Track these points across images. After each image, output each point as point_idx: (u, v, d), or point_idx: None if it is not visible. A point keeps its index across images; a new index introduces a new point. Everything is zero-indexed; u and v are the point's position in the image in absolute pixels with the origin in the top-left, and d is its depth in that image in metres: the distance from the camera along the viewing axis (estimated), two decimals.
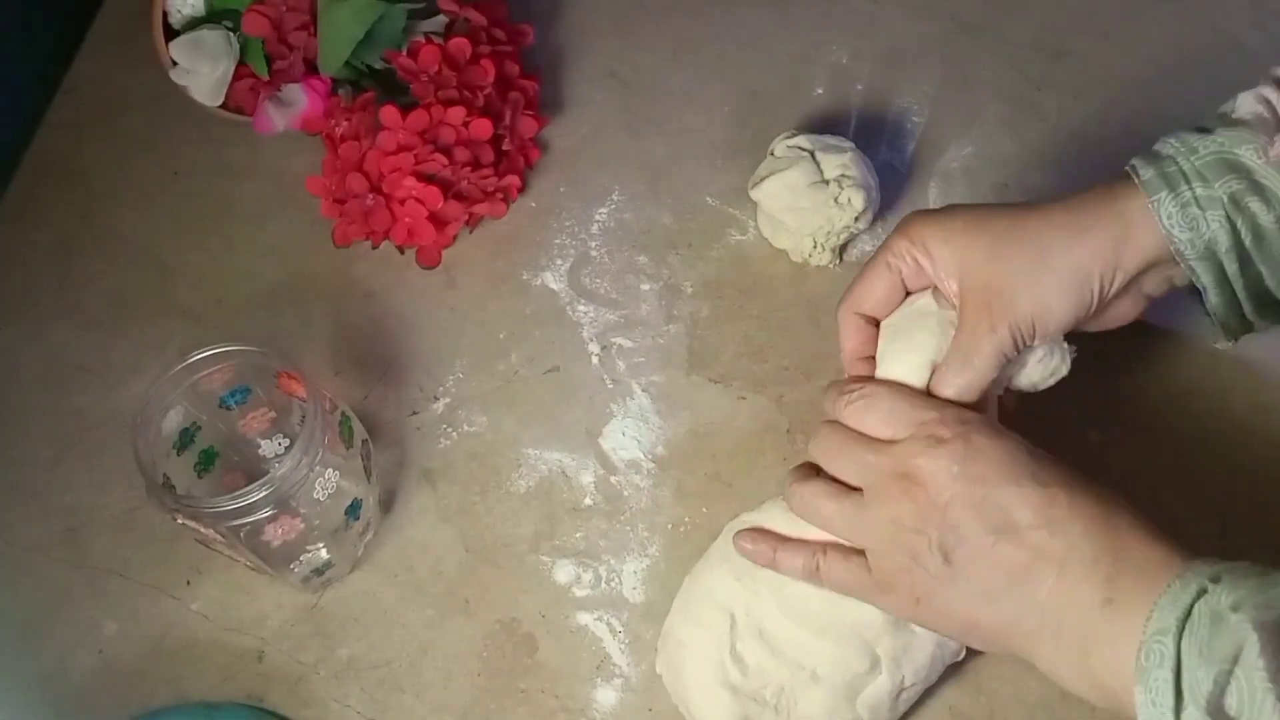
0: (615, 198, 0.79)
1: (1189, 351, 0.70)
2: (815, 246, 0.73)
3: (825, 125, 0.79)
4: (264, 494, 0.56)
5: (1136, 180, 0.57)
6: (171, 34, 0.77)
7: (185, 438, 0.62)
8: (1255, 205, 0.56)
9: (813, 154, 0.73)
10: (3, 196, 0.81)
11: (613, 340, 0.73)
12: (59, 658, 0.65)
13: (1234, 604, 0.45)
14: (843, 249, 0.75)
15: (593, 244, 0.77)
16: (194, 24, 0.77)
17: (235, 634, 0.65)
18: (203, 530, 0.58)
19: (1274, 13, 0.83)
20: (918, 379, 0.58)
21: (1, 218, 0.80)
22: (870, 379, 0.59)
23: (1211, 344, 0.66)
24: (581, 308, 0.75)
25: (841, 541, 0.57)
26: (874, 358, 0.60)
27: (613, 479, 0.69)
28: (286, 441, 0.66)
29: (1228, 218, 0.56)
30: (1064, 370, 0.60)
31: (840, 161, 0.72)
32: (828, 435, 0.58)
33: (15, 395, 0.73)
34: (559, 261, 0.77)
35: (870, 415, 0.57)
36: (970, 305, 0.57)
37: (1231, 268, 0.57)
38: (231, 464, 0.65)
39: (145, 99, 0.84)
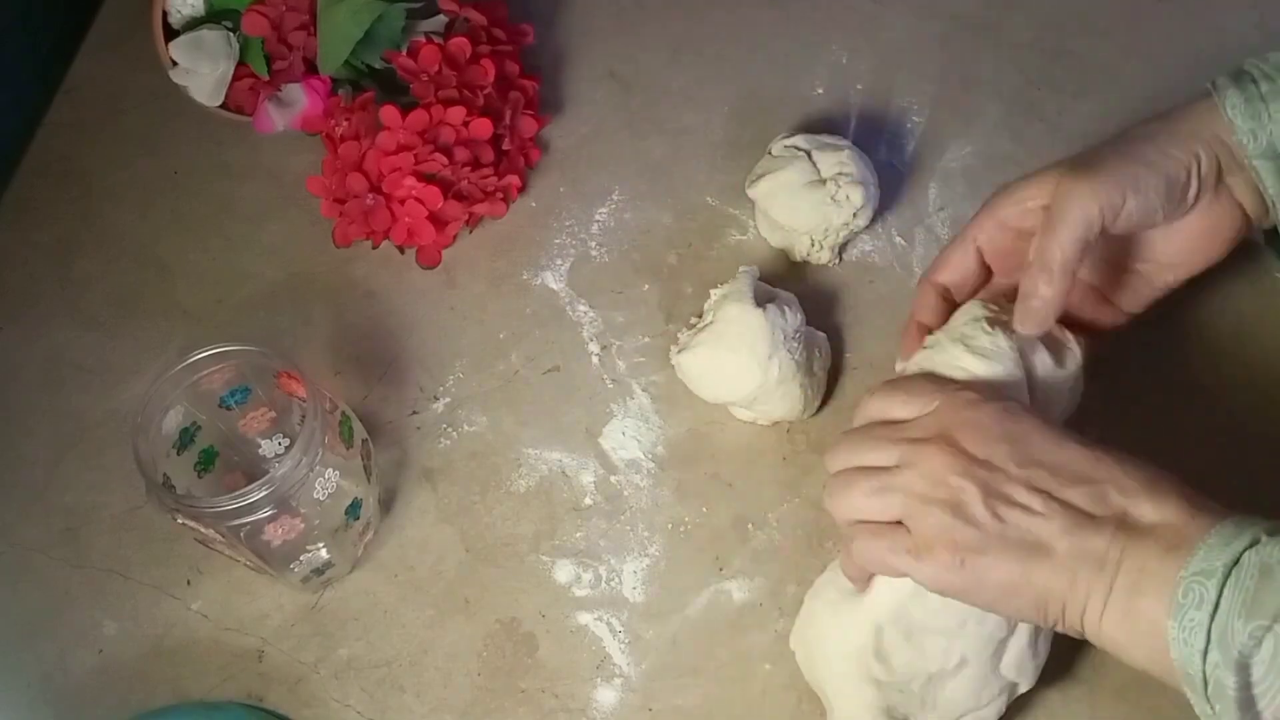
0: (615, 198, 0.79)
1: (1189, 351, 0.70)
2: (814, 245, 0.73)
3: (825, 125, 0.79)
4: (264, 494, 0.56)
5: (1211, 88, 0.60)
6: (171, 34, 0.77)
7: (185, 438, 0.62)
8: None
9: (809, 153, 0.73)
10: (3, 196, 0.81)
11: (613, 340, 0.73)
12: (59, 658, 0.65)
13: None
14: (843, 248, 0.75)
15: (593, 244, 0.77)
16: (194, 24, 0.77)
17: (235, 634, 0.65)
18: (203, 530, 0.58)
19: (1274, 13, 0.83)
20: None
21: (1, 218, 0.80)
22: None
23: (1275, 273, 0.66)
24: (581, 308, 0.75)
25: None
26: (929, 331, 0.61)
27: (613, 479, 0.69)
28: (286, 441, 0.66)
29: None
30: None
31: (837, 159, 0.72)
32: (847, 434, 0.57)
33: (15, 395, 0.73)
34: (559, 261, 0.77)
35: (895, 396, 0.56)
36: (1061, 186, 0.58)
37: None
38: (231, 464, 0.65)
39: (145, 99, 0.84)
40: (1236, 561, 0.46)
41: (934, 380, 0.57)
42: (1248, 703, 0.45)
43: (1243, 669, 0.44)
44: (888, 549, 0.53)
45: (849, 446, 0.56)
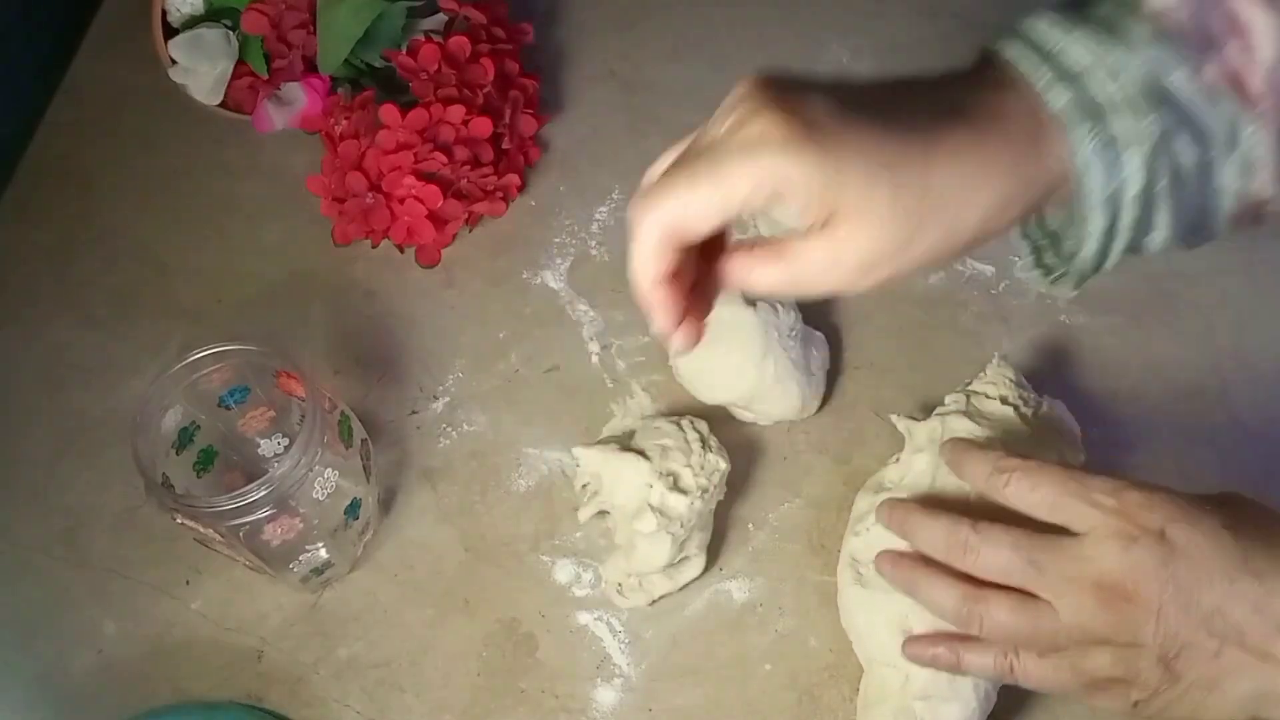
0: (615, 197, 0.78)
1: (1189, 351, 0.70)
2: None
3: None
4: (263, 493, 0.56)
5: (1045, 101, 0.47)
6: (171, 33, 0.77)
7: (185, 437, 0.62)
8: (1181, 144, 0.45)
9: None
10: (3, 196, 0.81)
11: (613, 340, 0.73)
12: (59, 658, 0.65)
13: None
14: None
15: (593, 243, 0.77)
16: (193, 23, 0.77)
17: (235, 634, 0.65)
18: (202, 530, 0.58)
19: None
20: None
21: (1, 218, 0.80)
22: (1017, 460, 0.53)
23: (1041, 290, 0.62)
24: (581, 307, 0.75)
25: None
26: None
27: None
28: (286, 441, 0.66)
29: (1146, 163, 0.45)
30: None
31: None
32: (980, 534, 0.52)
33: (15, 395, 0.73)
34: (559, 261, 0.76)
35: (1034, 495, 0.52)
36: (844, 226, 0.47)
37: (1127, 217, 0.47)
38: (231, 463, 0.65)
39: (145, 99, 0.83)
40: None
41: (1078, 483, 0.52)
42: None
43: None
44: (1055, 675, 0.52)
45: (985, 553, 0.52)
